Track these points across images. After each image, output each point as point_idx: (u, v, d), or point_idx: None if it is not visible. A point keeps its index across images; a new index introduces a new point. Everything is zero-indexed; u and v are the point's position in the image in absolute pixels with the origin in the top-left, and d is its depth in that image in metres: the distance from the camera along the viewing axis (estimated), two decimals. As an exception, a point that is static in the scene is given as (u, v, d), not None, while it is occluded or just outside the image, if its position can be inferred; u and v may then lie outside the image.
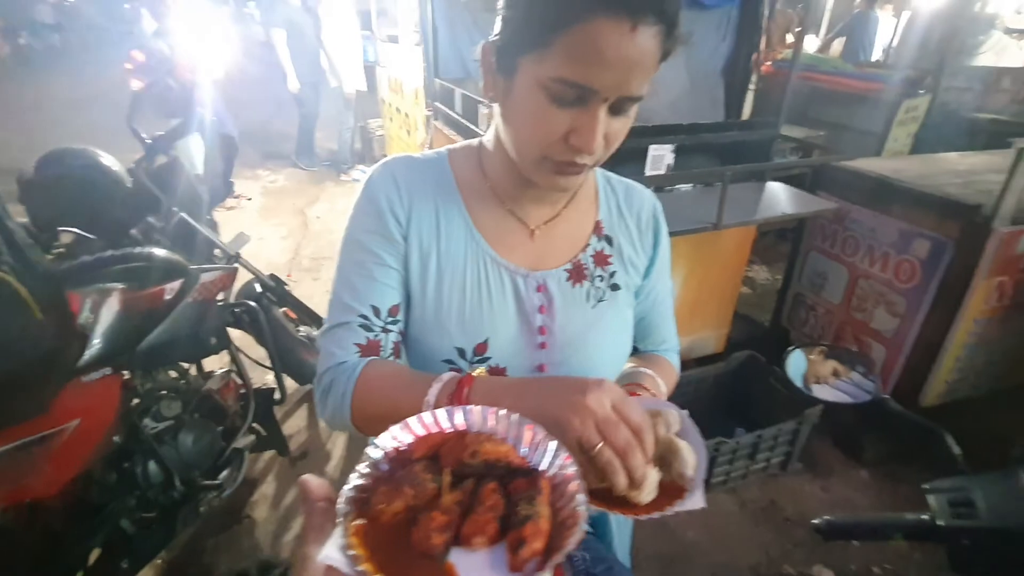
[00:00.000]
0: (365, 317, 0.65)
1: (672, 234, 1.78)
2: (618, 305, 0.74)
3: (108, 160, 1.61)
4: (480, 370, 0.54)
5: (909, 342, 2.04)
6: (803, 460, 2.11)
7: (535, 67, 0.54)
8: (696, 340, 2.46)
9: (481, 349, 0.67)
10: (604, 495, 0.50)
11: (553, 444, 0.42)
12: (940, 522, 0.62)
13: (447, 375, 0.55)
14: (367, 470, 0.40)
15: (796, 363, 0.88)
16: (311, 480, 0.39)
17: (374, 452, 0.41)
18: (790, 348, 0.88)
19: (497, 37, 0.59)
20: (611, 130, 0.57)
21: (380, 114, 5.24)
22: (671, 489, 0.52)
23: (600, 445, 0.45)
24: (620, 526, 0.84)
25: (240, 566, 1.63)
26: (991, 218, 1.78)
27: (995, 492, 0.62)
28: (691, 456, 0.53)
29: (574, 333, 0.70)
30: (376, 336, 0.66)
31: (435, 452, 0.42)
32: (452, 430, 0.44)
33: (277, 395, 1.93)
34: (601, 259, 0.73)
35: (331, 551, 0.33)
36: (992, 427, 1.51)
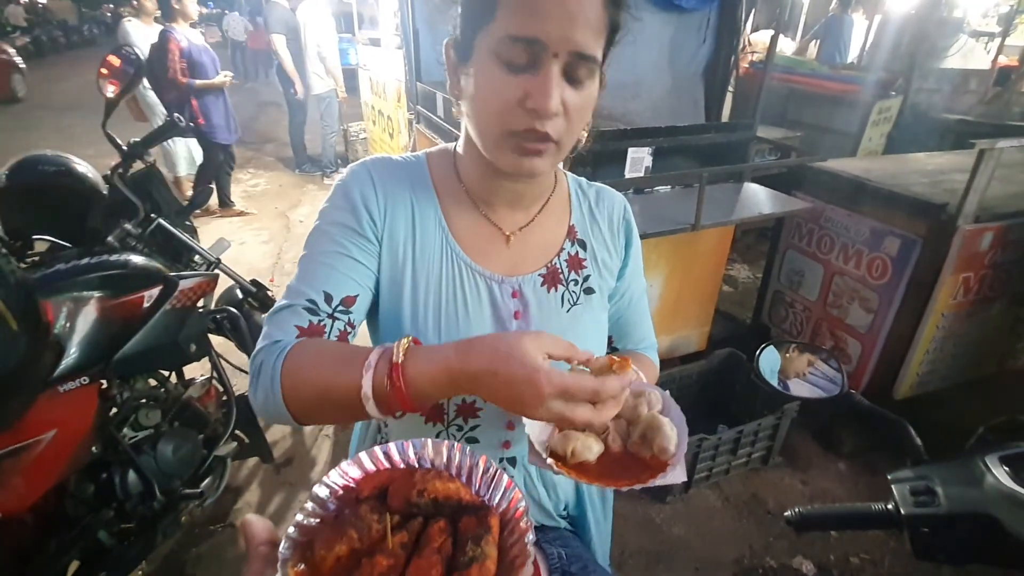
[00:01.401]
0: (312, 302, 0.62)
1: (651, 235, 1.84)
2: (592, 309, 0.75)
3: (82, 166, 1.58)
4: (406, 340, 0.52)
5: (882, 337, 2.10)
6: (783, 454, 2.16)
7: (486, 40, 0.56)
8: (678, 339, 2.50)
9: None
10: (585, 469, 0.52)
11: (505, 479, 0.41)
12: (902, 510, 0.64)
13: (375, 354, 0.53)
14: (313, 509, 0.39)
15: (769, 359, 0.89)
16: (254, 522, 0.37)
17: (321, 490, 0.40)
18: (763, 345, 0.90)
19: (455, 31, 0.62)
20: (569, 100, 0.57)
21: (362, 117, 5.22)
22: (654, 464, 0.54)
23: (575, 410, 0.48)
24: (599, 524, 0.84)
25: None
26: (956, 216, 1.84)
27: (953, 480, 0.64)
28: (672, 432, 0.55)
29: None
30: (320, 321, 0.62)
31: (383, 490, 0.40)
32: (403, 466, 0.42)
33: (260, 402, 1.91)
34: (575, 263, 0.74)
35: None
36: (960, 417, 1.56)
